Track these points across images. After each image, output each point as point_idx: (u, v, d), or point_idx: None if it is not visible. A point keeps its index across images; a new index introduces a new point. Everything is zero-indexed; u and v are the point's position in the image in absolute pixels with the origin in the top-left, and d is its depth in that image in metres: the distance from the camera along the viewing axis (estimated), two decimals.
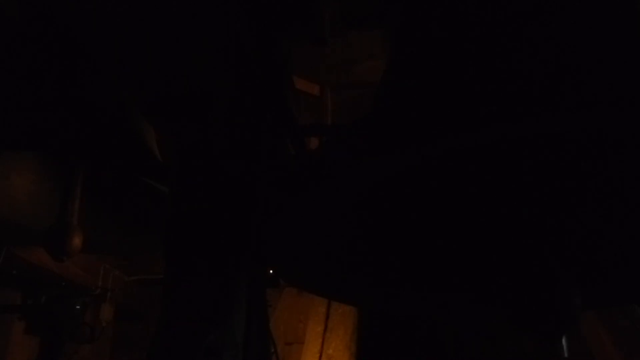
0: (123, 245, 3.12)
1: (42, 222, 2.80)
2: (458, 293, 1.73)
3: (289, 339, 5.24)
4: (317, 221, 1.29)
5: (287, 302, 5.39)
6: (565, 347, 1.29)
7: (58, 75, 2.48)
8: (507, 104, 0.85)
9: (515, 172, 1.54)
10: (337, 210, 1.30)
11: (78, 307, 5.80)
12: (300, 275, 1.57)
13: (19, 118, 2.27)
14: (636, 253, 1.56)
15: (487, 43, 1.17)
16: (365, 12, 5.13)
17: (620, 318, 2.47)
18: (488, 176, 1.58)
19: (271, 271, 1.84)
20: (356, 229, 1.52)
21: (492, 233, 1.60)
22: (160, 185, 2.46)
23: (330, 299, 3.76)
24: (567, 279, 1.33)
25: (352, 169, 0.99)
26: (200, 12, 1.44)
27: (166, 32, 1.39)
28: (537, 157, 1.51)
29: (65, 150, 2.51)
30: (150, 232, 2.66)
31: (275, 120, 1.91)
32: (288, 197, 1.14)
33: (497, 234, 1.58)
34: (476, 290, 1.68)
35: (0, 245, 3.97)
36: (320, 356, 4.16)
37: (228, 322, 1.43)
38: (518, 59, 1.08)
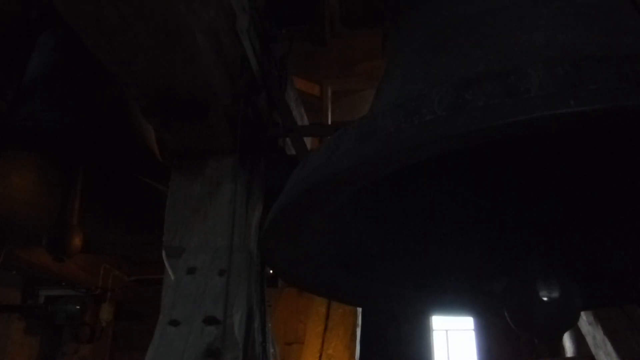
0: (123, 245, 3.12)
1: (42, 222, 2.81)
2: (457, 292, 1.73)
3: (289, 339, 5.24)
4: (317, 221, 1.29)
5: (287, 302, 5.39)
6: (565, 347, 1.29)
7: (60, 75, 2.48)
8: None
9: (515, 172, 1.54)
10: (336, 210, 1.30)
11: (78, 307, 5.81)
12: (300, 275, 1.58)
13: (20, 118, 2.27)
14: (636, 253, 1.56)
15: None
16: (365, 12, 5.14)
17: (620, 318, 2.47)
18: (489, 176, 1.58)
19: (271, 271, 1.84)
20: (356, 228, 1.52)
21: (491, 232, 1.60)
22: (160, 185, 2.46)
23: (330, 299, 3.76)
24: (567, 277, 1.33)
25: (352, 169, 0.99)
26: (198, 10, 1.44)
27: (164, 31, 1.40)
28: (537, 158, 1.51)
29: (65, 150, 2.51)
30: (150, 232, 2.66)
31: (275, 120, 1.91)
32: (288, 198, 1.14)
33: (497, 232, 1.58)
34: (476, 290, 1.67)
35: (0, 245, 3.98)
36: (320, 356, 4.16)
37: (228, 322, 1.43)
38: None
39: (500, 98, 0.82)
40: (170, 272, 1.69)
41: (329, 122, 4.27)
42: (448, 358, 8.50)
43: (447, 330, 8.60)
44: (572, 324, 1.39)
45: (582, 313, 2.46)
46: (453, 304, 1.79)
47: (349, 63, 4.87)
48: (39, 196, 2.86)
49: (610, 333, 2.46)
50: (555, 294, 1.28)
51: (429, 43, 1.30)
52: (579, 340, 3.81)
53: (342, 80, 4.74)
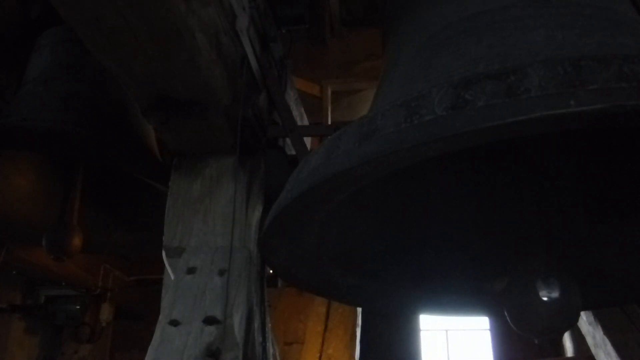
0: (123, 245, 3.11)
1: (42, 222, 2.81)
2: (457, 292, 1.73)
3: (289, 339, 5.23)
4: (316, 221, 1.29)
5: (287, 302, 5.38)
6: (565, 347, 1.29)
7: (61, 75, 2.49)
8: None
9: (515, 172, 1.54)
10: (336, 210, 1.30)
11: (78, 307, 5.81)
12: (300, 275, 1.58)
13: (20, 118, 2.27)
14: (636, 254, 1.56)
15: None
16: (365, 12, 5.14)
17: (620, 318, 2.47)
18: (489, 176, 1.58)
19: (271, 271, 1.84)
20: (355, 228, 1.52)
21: (492, 231, 1.60)
22: (160, 185, 2.46)
23: (330, 299, 3.76)
24: (567, 277, 1.33)
25: (352, 169, 0.99)
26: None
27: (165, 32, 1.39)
28: (537, 158, 1.51)
29: (65, 150, 2.51)
30: (150, 232, 2.65)
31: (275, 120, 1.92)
32: (288, 198, 1.14)
33: (498, 232, 1.58)
34: (476, 290, 1.67)
35: (0, 245, 3.97)
36: (320, 356, 4.16)
37: (228, 322, 1.43)
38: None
39: (500, 98, 0.82)
40: (170, 272, 1.69)
41: (329, 122, 4.27)
42: (448, 358, 8.49)
43: (446, 330, 8.58)
44: (572, 324, 1.39)
45: (582, 313, 2.46)
46: (453, 303, 1.79)
47: (349, 63, 4.88)
48: (39, 196, 2.86)
49: (610, 333, 2.46)
50: (555, 294, 1.29)
51: (429, 43, 1.30)
52: (579, 340, 3.80)
53: (342, 80, 4.74)
